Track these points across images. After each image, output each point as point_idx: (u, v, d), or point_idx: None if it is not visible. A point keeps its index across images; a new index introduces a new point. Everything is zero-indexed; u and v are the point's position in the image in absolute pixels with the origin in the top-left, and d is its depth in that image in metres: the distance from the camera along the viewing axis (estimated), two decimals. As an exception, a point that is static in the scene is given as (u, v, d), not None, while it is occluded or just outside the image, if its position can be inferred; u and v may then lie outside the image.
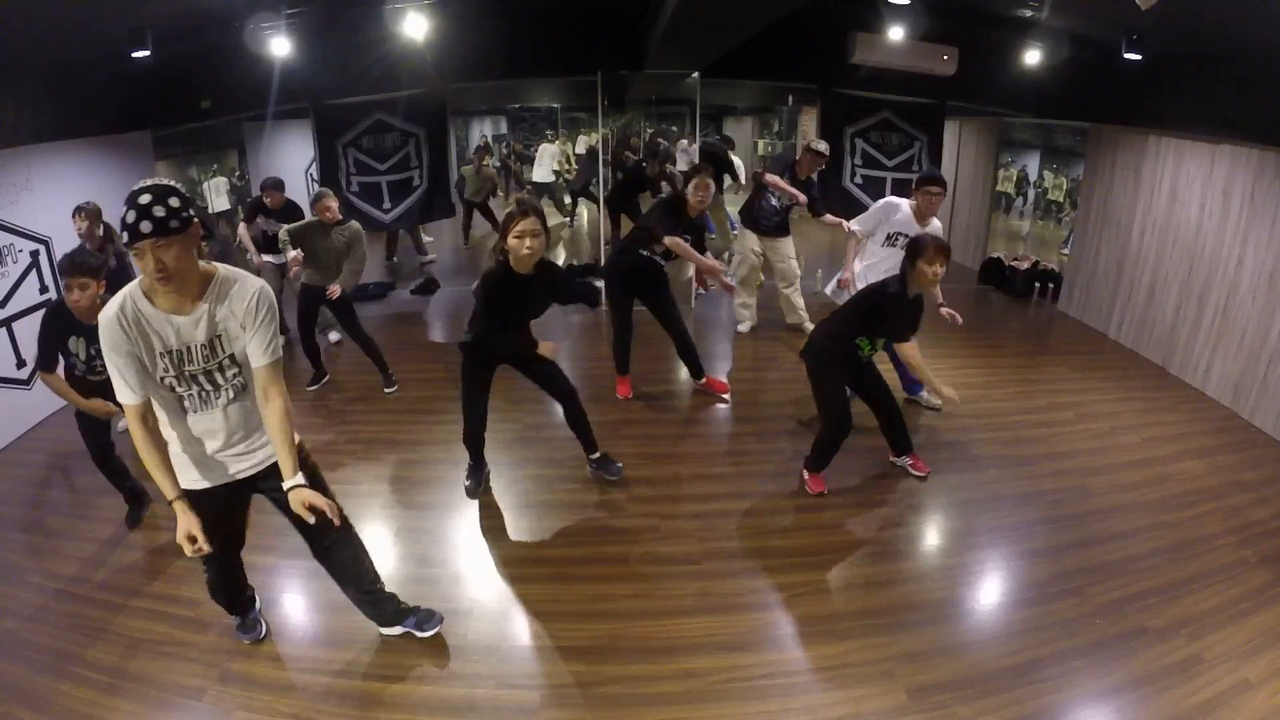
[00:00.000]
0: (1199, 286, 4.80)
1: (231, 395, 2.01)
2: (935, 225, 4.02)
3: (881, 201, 4.27)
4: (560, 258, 8.47)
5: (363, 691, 2.32)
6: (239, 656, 2.46)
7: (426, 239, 8.54)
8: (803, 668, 2.43)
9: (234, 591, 2.45)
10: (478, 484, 3.47)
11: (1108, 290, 5.79)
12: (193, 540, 1.90)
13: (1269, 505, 3.40)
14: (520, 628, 2.63)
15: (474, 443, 3.42)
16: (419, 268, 8.25)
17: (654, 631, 2.58)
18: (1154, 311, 5.26)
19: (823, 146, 5.25)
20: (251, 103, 5.68)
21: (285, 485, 2.00)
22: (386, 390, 4.63)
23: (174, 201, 1.74)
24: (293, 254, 4.32)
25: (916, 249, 3.09)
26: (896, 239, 4.03)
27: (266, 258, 5.25)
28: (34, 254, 4.39)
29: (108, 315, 1.82)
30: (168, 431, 2.02)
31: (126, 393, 1.88)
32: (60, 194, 4.56)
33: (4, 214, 4.18)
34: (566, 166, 10.90)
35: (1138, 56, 4.45)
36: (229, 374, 1.97)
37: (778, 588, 2.82)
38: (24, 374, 4.33)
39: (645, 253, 4.15)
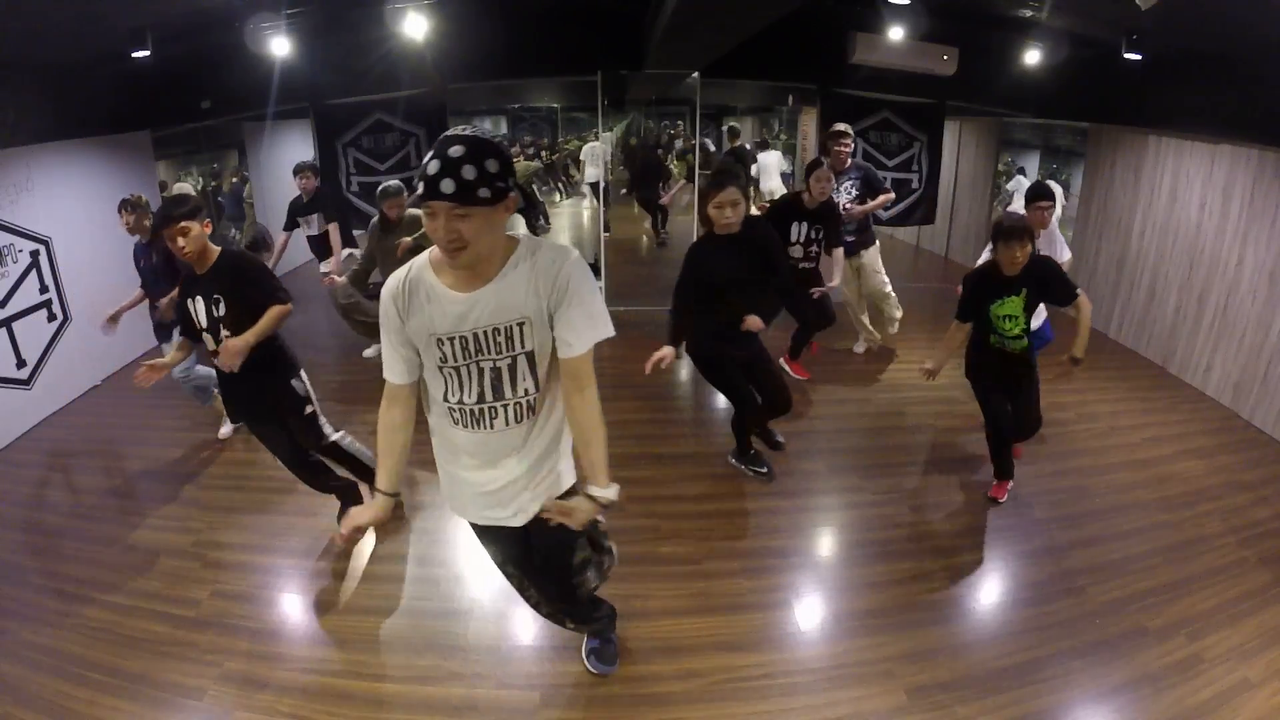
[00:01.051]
0: (1199, 286, 4.80)
1: (517, 418, 1.71)
2: (1057, 238, 3.83)
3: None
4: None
5: (363, 691, 2.32)
6: (239, 656, 2.46)
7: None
8: (803, 668, 2.43)
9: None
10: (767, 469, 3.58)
11: (1107, 290, 5.79)
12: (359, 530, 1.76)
13: (1269, 505, 3.40)
14: (520, 628, 2.63)
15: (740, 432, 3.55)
16: None
17: (654, 631, 2.58)
18: (1154, 311, 5.26)
19: (842, 127, 4.84)
20: (251, 103, 5.68)
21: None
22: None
23: (492, 165, 1.41)
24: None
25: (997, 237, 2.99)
26: None
27: (324, 266, 5.21)
28: (34, 254, 4.39)
29: (386, 287, 1.61)
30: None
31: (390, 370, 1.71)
32: (60, 194, 4.57)
33: (4, 214, 4.18)
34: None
35: (1138, 56, 4.45)
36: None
37: (778, 588, 2.82)
38: (24, 374, 4.33)
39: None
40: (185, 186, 7.97)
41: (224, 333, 2.68)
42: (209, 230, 2.66)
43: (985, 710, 2.24)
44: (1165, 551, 3.04)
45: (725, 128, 9.99)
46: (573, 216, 11.42)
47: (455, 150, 1.39)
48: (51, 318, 4.56)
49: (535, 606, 2.21)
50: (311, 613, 2.71)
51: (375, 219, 4.59)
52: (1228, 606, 2.69)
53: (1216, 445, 4.01)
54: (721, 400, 4.68)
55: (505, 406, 1.69)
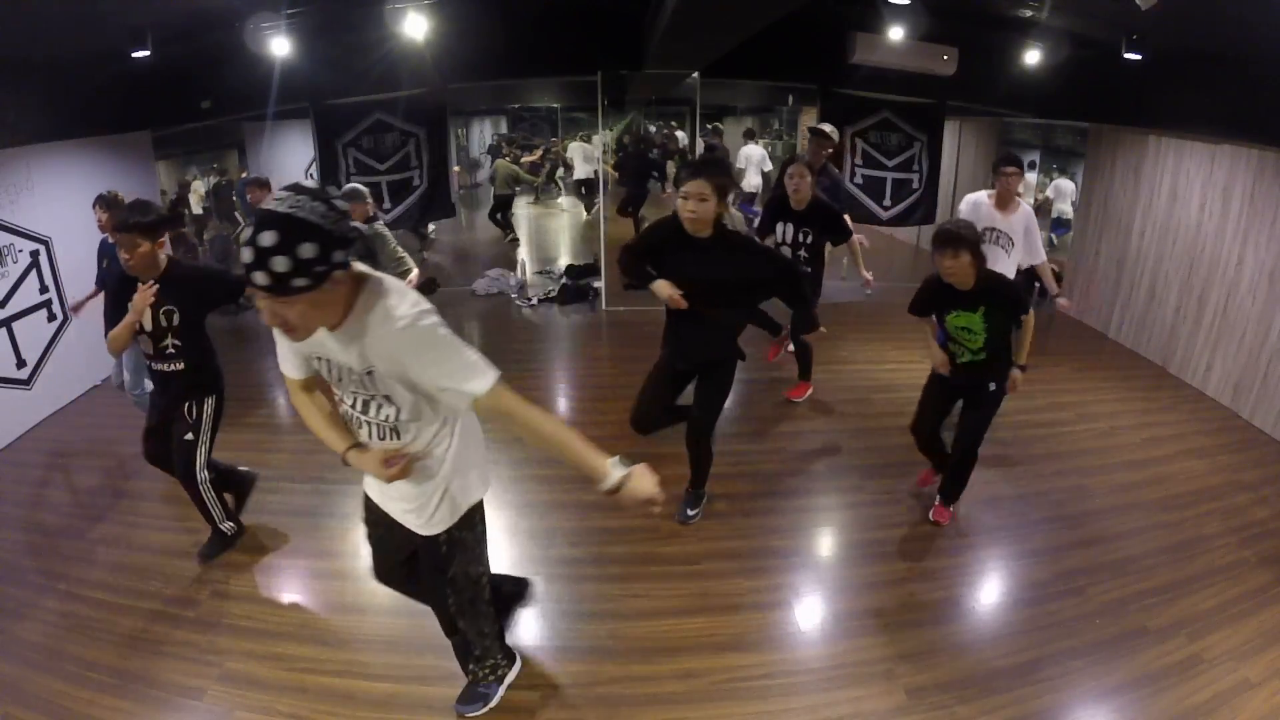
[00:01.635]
0: (1199, 286, 4.80)
1: (381, 435, 1.73)
2: (1024, 210, 3.79)
3: (964, 203, 3.97)
4: (563, 259, 8.47)
5: (363, 691, 2.32)
6: (239, 656, 2.46)
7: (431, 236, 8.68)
8: (803, 668, 2.43)
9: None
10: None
11: (1108, 290, 5.79)
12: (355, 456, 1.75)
13: (1269, 505, 3.40)
14: (520, 628, 2.63)
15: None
16: (419, 262, 8.29)
17: (654, 631, 2.58)
18: (1154, 311, 5.26)
19: (827, 128, 4.67)
20: (251, 103, 5.68)
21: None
22: None
23: (306, 250, 1.30)
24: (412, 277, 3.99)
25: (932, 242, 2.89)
26: (990, 235, 3.69)
27: None
28: (34, 254, 4.39)
29: None
30: None
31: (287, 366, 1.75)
32: (60, 194, 4.56)
33: (4, 214, 4.18)
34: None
35: (1138, 56, 4.45)
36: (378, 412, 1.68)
37: (778, 588, 2.82)
38: (24, 374, 4.33)
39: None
40: (200, 186, 8.01)
41: (170, 341, 2.71)
42: (161, 249, 2.63)
43: (985, 710, 2.24)
44: (1165, 551, 3.04)
45: (710, 126, 10.04)
46: (571, 216, 11.42)
47: (266, 239, 1.29)
48: (51, 318, 4.56)
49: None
50: (311, 613, 2.70)
51: None
52: (1228, 606, 2.69)
53: (1216, 445, 4.01)
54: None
55: (370, 425, 1.72)
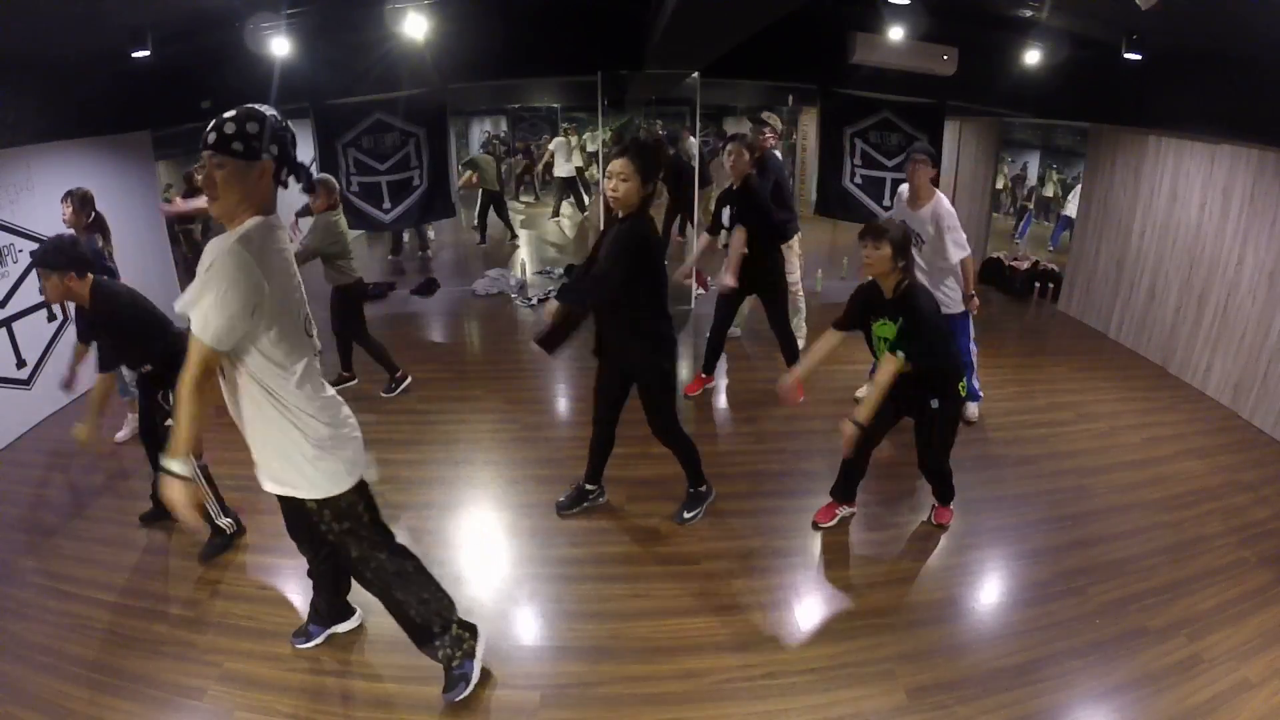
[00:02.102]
0: (1199, 286, 4.80)
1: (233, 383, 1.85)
2: (935, 202, 3.66)
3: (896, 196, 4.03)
4: (562, 261, 8.47)
5: (363, 691, 2.32)
6: (239, 656, 2.46)
7: (430, 235, 8.66)
8: (803, 668, 2.43)
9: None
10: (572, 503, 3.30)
11: (1108, 290, 5.79)
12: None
13: (1269, 505, 3.40)
14: (520, 628, 2.63)
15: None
16: (420, 262, 8.29)
17: (654, 631, 2.58)
18: (1154, 311, 5.26)
19: (766, 115, 4.78)
20: (252, 102, 5.68)
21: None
22: (384, 394, 4.61)
23: (251, 126, 1.68)
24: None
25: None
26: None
27: None
28: (34, 254, 4.39)
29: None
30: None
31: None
32: (60, 194, 4.56)
33: (4, 214, 4.18)
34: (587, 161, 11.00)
35: (1138, 56, 4.44)
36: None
37: (778, 588, 2.82)
38: (24, 374, 4.33)
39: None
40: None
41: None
42: (73, 285, 2.73)
43: (985, 710, 2.24)
44: (1165, 551, 3.04)
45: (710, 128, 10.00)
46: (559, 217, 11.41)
47: (226, 113, 1.67)
48: (51, 318, 4.56)
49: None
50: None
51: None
52: (1228, 606, 2.69)
53: (1216, 445, 4.01)
54: (721, 400, 4.69)
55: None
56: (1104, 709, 2.27)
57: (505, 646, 2.53)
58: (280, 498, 2.05)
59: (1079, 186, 7.99)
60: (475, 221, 9.26)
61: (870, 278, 2.82)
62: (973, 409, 4.20)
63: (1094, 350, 5.54)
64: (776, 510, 3.35)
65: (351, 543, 2.07)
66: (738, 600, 2.75)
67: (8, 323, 4.22)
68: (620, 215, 2.69)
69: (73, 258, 2.75)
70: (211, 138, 1.65)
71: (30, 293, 4.38)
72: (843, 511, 3.23)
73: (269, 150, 1.70)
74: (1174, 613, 2.66)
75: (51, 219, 4.48)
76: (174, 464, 1.73)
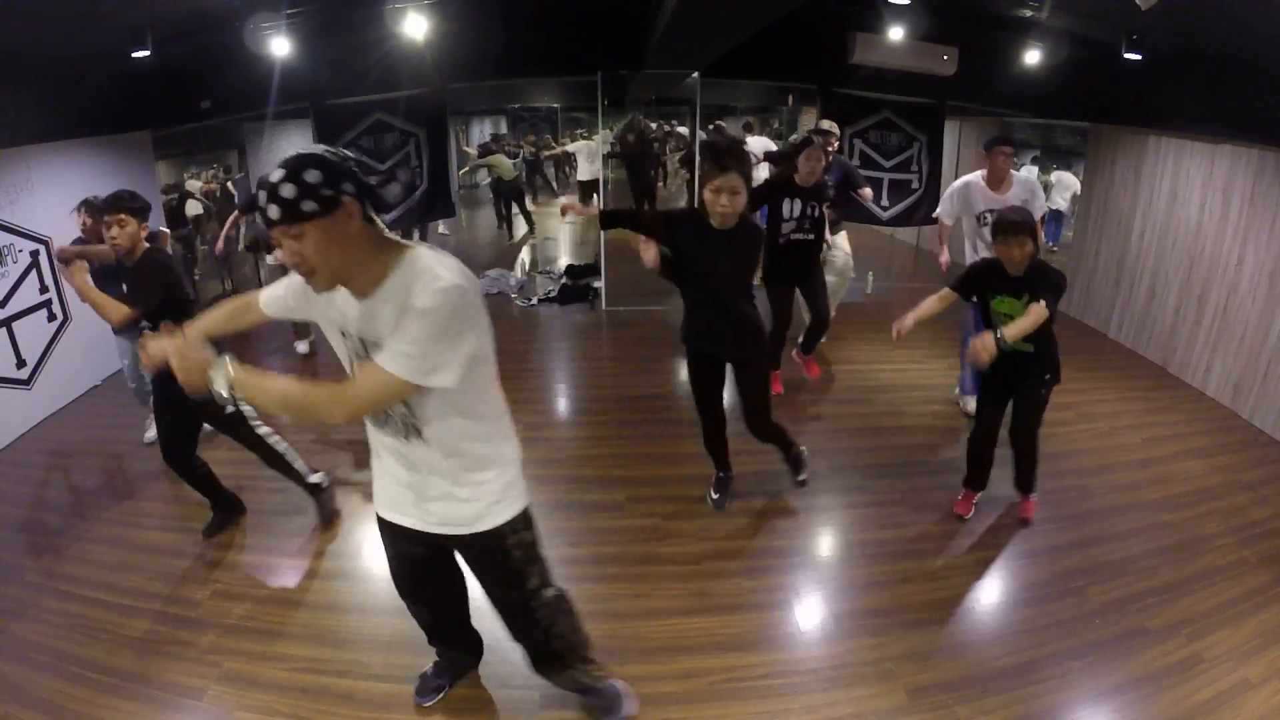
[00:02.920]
0: (1199, 286, 4.80)
1: (402, 432, 1.67)
2: (1018, 180, 3.92)
3: (953, 186, 4.16)
4: (562, 260, 8.47)
5: (363, 691, 2.32)
6: (239, 656, 2.46)
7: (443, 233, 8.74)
8: (803, 668, 2.43)
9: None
10: (723, 497, 3.35)
11: (1108, 290, 5.79)
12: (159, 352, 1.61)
13: (1269, 505, 3.40)
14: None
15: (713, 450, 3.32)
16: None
17: (654, 631, 2.58)
18: (1154, 311, 5.26)
19: (828, 124, 4.95)
20: (251, 103, 5.68)
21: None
22: None
23: (311, 176, 1.37)
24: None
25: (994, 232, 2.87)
26: (990, 216, 3.78)
27: (269, 257, 5.22)
28: (34, 254, 4.39)
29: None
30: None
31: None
32: (60, 194, 4.56)
33: (4, 214, 4.18)
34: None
35: (1138, 56, 4.45)
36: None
37: (778, 588, 2.82)
38: (24, 374, 4.33)
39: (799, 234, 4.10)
40: (195, 184, 8.02)
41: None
42: (144, 234, 2.88)
43: (985, 710, 2.24)
44: (1165, 551, 3.04)
45: (712, 126, 10.01)
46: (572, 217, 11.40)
47: (275, 175, 1.37)
48: (51, 318, 4.56)
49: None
50: (311, 613, 2.70)
51: None
52: (1228, 606, 2.69)
53: (1216, 445, 4.01)
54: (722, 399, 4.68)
55: (389, 415, 1.67)
56: (1104, 709, 2.27)
57: (505, 646, 2.52)
58: (431, 548, 1.85)
59: (1056, 174, 8.02)
60: (498, 222, 9.30)
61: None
62: (972, 404, 4.23)
63: (1094, 350, 5.54)
64: (776, 510, 3.35)
65: (533, 566, 1.89)
66: (738, 600, 2.75)
67: (8, 323, 4.22)
68: (714, 224, 2.70)
69: (144, 203, 2.90)
70: (275, 212, 1.36)
71: (30, 293, 4.38)
72: (978, 499, 3.33)
73: (344, 190, 1.41)
74: (1174, 613, 2.66)
75: (52, 219, 4.48)
76: (219, 374, 1.49)
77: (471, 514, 1.73)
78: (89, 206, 3.88)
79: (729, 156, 2.62)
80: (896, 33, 5.29)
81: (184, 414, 2.96)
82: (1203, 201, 4.77)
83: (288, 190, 1.36)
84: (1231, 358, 4.50)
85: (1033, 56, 5.27)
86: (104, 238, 2.92)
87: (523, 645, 2.04)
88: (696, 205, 2.78)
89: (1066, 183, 8.03)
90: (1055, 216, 7.99)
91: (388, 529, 1.87)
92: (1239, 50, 4.00)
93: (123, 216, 2.81)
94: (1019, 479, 3.23)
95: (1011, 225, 2.76)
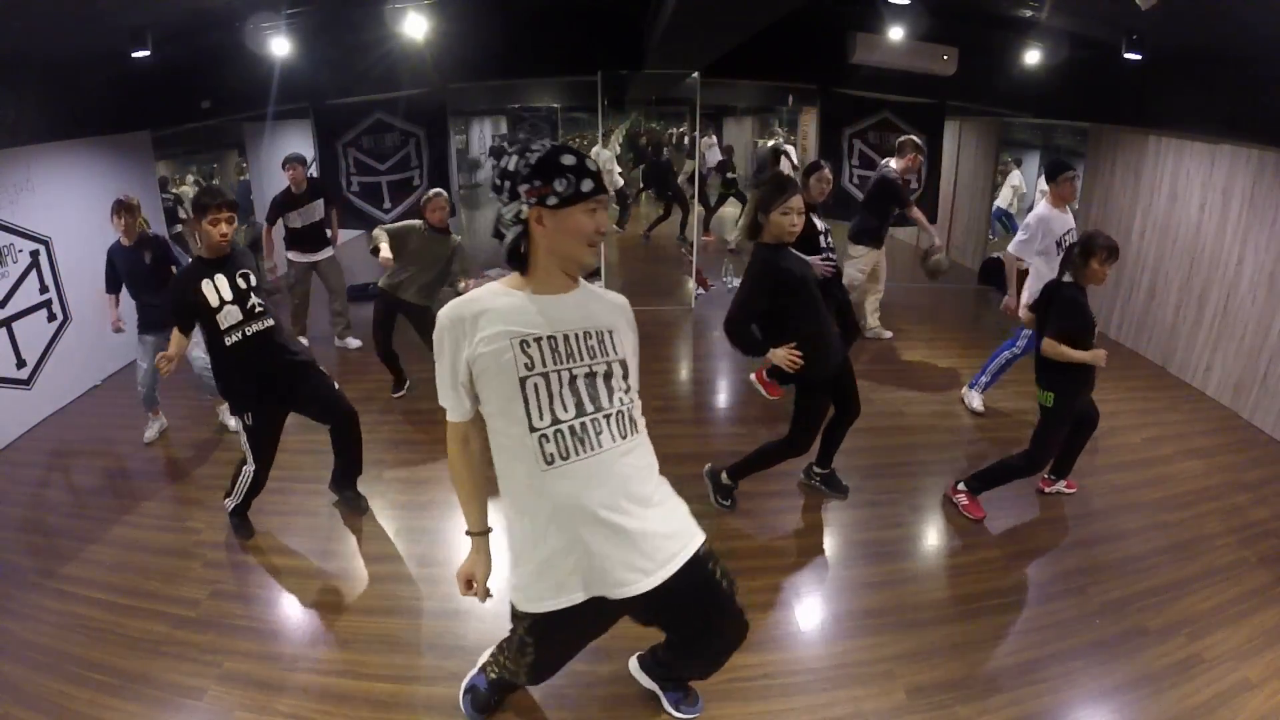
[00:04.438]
0: (1199, 286, 4.80)
1: (620, 431, 1.55)
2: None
3: (1029, 218, 4.05)
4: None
5: (363, 691, 2.32)
6: (239, 656, 2.46)
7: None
8: (803, 668, 2.43)
9: None
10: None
11: (1107, 290, 5.78)
12: (470, 584, 1.74)
13: (1269, 505, 3.40)
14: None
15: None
16: None
17: (654, 632, 2.57)
18: (1154, 311, 5.26)
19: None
20: (251, 103, 5.68)
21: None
22: (394, 394, 4.62)
23: (591, 163, 1.53)
24: (384, 255, 4.03)
25: (1091, 248, 2.90)
26: (1069, 237, 3.88)
27: (292, 254, 5.20)
28: (34, 254, 4.39)
29: (446, 312, 1.54)
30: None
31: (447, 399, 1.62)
32: (60, 194, 4.56)
33: (4, 214, 4.18)
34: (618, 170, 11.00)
35: (1138, 56, 4.45)
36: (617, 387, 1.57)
37: (778, 588, 2.82)
38: (24, 374, 4.33)
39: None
40: (186, 190, 8.00)
41: (254, 300, 2.88)
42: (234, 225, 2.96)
43: (985, 710, 2.24)
44: (1165, 551, 3.04)
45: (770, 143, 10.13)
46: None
47: (568, 158, 1.48)
48: (51, 318, 4.56)
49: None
50: (311, 613, 2.70)
51: (418, 222, 4.30)
52: (1228, 606, 2.69)
53: (1216, 445, 4.01)
54: (721, 399, 4.69)
55: (608, 418, 1.54)
56: (1104, 709, 2.27)
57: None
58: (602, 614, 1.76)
59: (1012, 173, 8.10)
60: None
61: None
62: (976, 400, 4.35)
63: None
64: (777, 510, 3.35)
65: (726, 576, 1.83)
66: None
67: (8, 323, 4.22)
68: (786, 240, 2.86)
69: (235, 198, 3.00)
70: (589, 185, 1.49)
71: (30, 293, 4.38)
72: (1059, 486, 3.44)
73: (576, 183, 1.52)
74: (1174, 613, 2.66)
75: (51, 219, 4.49)
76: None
77: (688, 517, 1.74)
78: (124, 207, 3.81)
79: (790, 181, 2.91)
80: (896, 33, 5.29)
81: None
82: (1202, 201, 4.77)
83: (593, 164, 1.51)
84: (1231, 358, 4.50)
85: (1033, 56, 5.27)
86: (204, 233, 2.83)
87: (699, 663, 2.07)
88: (764, 240, 2.87)
89: (1014, 181, 8.30)
90: (999, 214, 8.19)
91: (561, 619, 1.64)
92: (1239, 50, 4.00)
93: (231, 214, 2.86)
94: (985, 476, 3.30)
95: (1114, 247, 2.90)
